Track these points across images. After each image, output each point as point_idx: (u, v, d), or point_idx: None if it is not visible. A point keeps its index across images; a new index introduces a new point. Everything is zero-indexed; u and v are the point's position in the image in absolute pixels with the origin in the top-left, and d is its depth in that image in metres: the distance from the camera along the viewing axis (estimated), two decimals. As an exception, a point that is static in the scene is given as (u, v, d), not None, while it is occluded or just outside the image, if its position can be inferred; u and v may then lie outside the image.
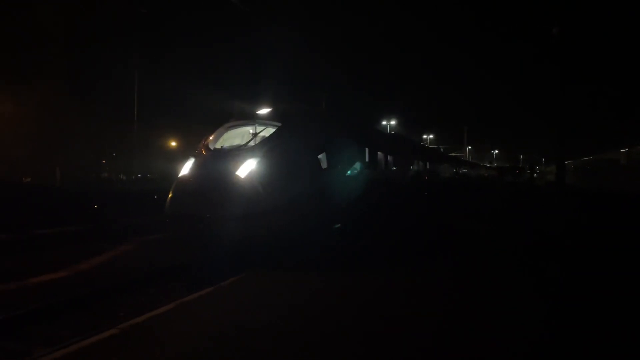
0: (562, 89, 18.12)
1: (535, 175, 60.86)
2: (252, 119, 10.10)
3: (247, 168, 8.22)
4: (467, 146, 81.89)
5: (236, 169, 8.21)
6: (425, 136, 68.33)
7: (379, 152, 14.33)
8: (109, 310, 6.76)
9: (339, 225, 10.06)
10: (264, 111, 10.29)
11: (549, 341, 4.52)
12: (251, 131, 9.93)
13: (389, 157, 15.38)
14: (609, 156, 33.55)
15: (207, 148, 9.26)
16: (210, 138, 9.62)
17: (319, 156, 9.85)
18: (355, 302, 5.81)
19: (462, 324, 5.01)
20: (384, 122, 55.57)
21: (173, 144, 48.61)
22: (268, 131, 9.51)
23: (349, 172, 11.59)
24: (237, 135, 10.08)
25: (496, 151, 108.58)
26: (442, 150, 58.60)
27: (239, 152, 8.71)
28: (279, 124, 9.48)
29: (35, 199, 18.00)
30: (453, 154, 62.16)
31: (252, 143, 9.20)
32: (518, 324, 4.99)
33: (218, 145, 9.52)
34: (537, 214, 17.16)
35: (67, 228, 13.84)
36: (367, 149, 13.17)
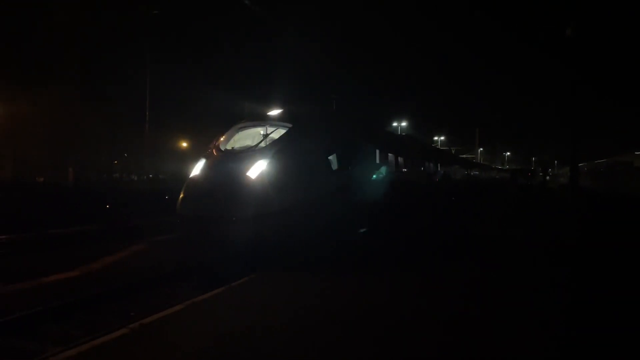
0: (576, 91, 17.93)
1: (547, 177, 60.25)
2: (262, 120, 10.11)
3: (257, 169, 8.24)
4: (479, 148, 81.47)
5: (247, 170, 8.23)
6: (436, 138, 68.03)
7: (389, 154, 14.28)
8: (121, 310, 6.80)
9: (364, 229, 10.03)
10: (274, 112, 10.31)
11: (561, 347, 4.47)
12: (262, 132, 9.94)
13: (399, 159, 15.32)
14: (623, 159, 33.15)
15: (218, 149, 9.30)
16: (221, 139, 9.65)
17: (330, 157, 9.84)
18: (366, 304, 5.78)
19: (472, 328, 4.97)
20: (395, 124, 55.45)
21: (184, 144, 48.89)
22: (279, 132, 9.52)
23: (373, 175, 11.64)
24: (247, 136, 10.10)
25: (508, 153, 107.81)
26: (453, 152, 58.29)
27: (249, 153, 8.73)
28: (290, 125, 9.48)
29: (48, 199, 18.22)
30: (464, 155, 61.80)
31: (262, 144, 9.21)
32: (528, 327, 4.93)
33: (229, 146, 9.54)
34: (551, 217, 16.99)
35: (79, 228, 13.97)
36: (377, 151, 13.12)
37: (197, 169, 8.93)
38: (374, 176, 12.45)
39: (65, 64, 33.05)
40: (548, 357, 4.25)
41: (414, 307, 5.67)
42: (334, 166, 9.91)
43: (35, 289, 7.76)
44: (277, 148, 8.75)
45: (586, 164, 47.76)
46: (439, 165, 23.06)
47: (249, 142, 9.78)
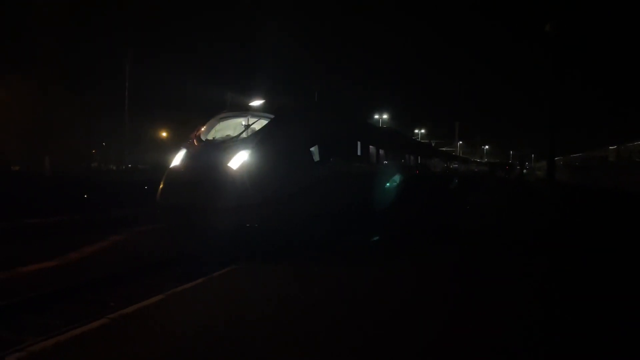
0: (554, 86, 18.24)
1: (525, 171, 61.32)
2: (244, 111, 10.08)
3: (239, 160, 8.22)
4: (458, 141, 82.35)
5: (228, 161, 8.20)
6: (417, 131, 68.56)
7: (371, 146, 14.36)
8: (100, 300, 6.76)
9: (377, 238, 10.13)
10: (256, 103, 10.28)
11: (540, 331, 4.61)
12: (243, 123, 9.91)
13: (380, 151, 15.42)
14: (598, 153, 33.84)
15: (198, 139, 9.25)
16: (202, 129, 9.60)
17: (312, 149, 9.86)
18: (345, 295, 5.85)
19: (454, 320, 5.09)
20: (377, 116, 55.74)
21: (164, 134, 48.35)
22: (260, 123, 9.50)
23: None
24: (229, 127, 10.06)
25: (487, 147, 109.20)
26: (433, 144, 58.76)
27: (231, 144, 8.70)
28: (272, 116, 9.47)
29: (25, 188, 17.85)
30: (444, 149, 62.41)
31: (244, 135, 9.19)
32: (504, 315, 5.07)
33: (210, 137, 9.50)
34: (527, 209, 17.35)
35: (57, 218, 13.76)
36: (359, 143, 13.19)
37: (178, 159, 8.87)
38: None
39: (43, 52, 32.31)
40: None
41: (397, 300, 5.76)
42: (316, 158, 9.95)
43: (13, 279, 7.66)
44: (258, 139, 8.74)
45: (562, 158, 48.67)
46: (419, 158, 23.27)
47: (231, 133, 9.74)
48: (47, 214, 13.77)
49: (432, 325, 4.79)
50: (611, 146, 29.79)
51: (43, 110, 31.70)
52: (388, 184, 16.60)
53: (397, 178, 18.13)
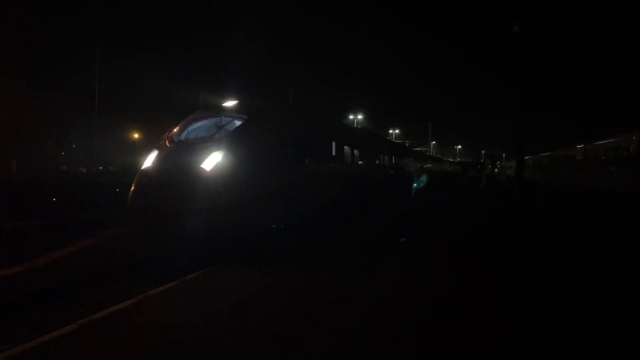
0: (523, 86, 18.68)
1: (496, 170, 62.46)
2: (217, 112, 10.01)
3: (212, 161, 8.14)
4: (432, 141, 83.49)
5: (201, 162, 8.12)
6: (391, 131, 69.22)
7: (345, 147, 14.42)
8: (69, 306, 6.59)
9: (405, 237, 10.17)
10: (230, 104, 10.22)
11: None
12: (217, 124, 9.84)
13: (355, 152, 15.50)
14: (566, 152, 34.68)
15: (171, 140, 9.13)
16: (175, 130, 9.48)
17: (285, 150, 9.84)
18: (322, 296, 5.83)
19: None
20: (351, 117, 56.06)
21: (136, 135, 47.59)
22: (234, 124, 9.45)
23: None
24: (202, 128, 9.97)
25: (459, 146, 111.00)
26: (407, 145, 59.37)
27: (204, 145, 8.62)
28: (245, 117, 9.42)
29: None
30: (418, 148, 63.14)
31: (217, 136, 9.11)
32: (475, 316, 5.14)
33: (183, 138, 9.39)
34: (497, 207, 17.67)
35: (24, 222, 13.38)
36: (333, 143, 13.23)
37: (150, 160, 8.74)
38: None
39: (9, 52, 31.41)
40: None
41: (371, 299, 5.78)
42: (290, 159, 9.92)
43: (-24, 286, 7.39)
44: (232, 140, 8.68)
45: (531, 157, 49.74)
46: (393, 158, 23.49)
47: (203, 134, 9.65)
48: (13, 218, 13.37)
49: (401, 331, 4.83)
50: (579, 145, 30.56)
51: (10, 112, 30.81)
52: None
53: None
